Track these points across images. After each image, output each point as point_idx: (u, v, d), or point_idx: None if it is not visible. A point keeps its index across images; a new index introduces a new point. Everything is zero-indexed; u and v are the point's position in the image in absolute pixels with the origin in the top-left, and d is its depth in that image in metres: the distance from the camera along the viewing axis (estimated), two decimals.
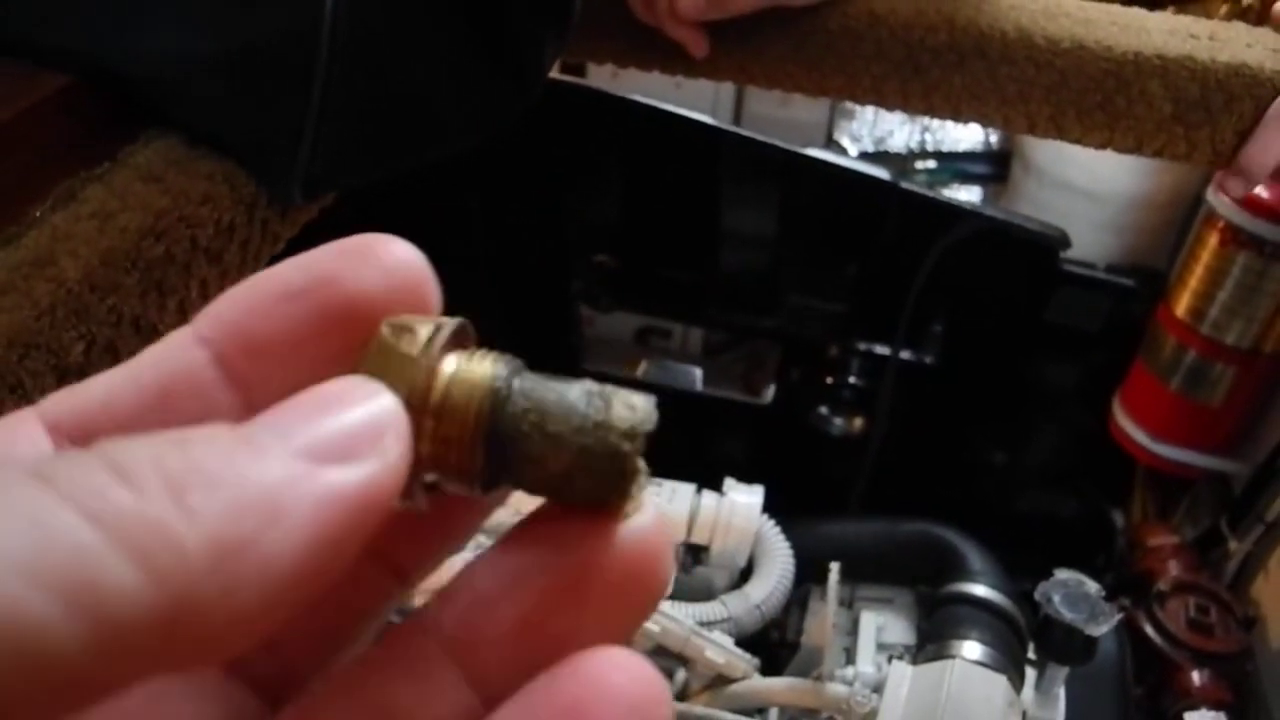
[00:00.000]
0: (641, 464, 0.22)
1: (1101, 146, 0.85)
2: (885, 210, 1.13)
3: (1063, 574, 0.95)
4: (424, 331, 0.21)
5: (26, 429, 0.20)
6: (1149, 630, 1.30)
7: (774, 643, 1.12)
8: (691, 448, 1.49)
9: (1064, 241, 1.13)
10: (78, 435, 0.20)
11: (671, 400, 1.48)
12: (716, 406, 1.44)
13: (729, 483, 1.07)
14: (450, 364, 0.21)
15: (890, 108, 0.87)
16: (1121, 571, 1.44)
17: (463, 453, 0.21)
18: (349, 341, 0.21)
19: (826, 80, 0.87)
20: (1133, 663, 1.30)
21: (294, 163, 0.57)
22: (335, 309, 0.21)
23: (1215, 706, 1.23)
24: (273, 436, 0.17)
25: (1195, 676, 1.26)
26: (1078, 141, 0.86)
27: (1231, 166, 0.81)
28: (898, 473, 1.33)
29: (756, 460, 1.42)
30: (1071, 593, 0.92)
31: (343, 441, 0.18)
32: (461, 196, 1.31)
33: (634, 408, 0.22)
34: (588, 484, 0.21)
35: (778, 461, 1.40)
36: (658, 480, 1.08)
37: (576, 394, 0.22)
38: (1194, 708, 1.22)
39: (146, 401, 0.21)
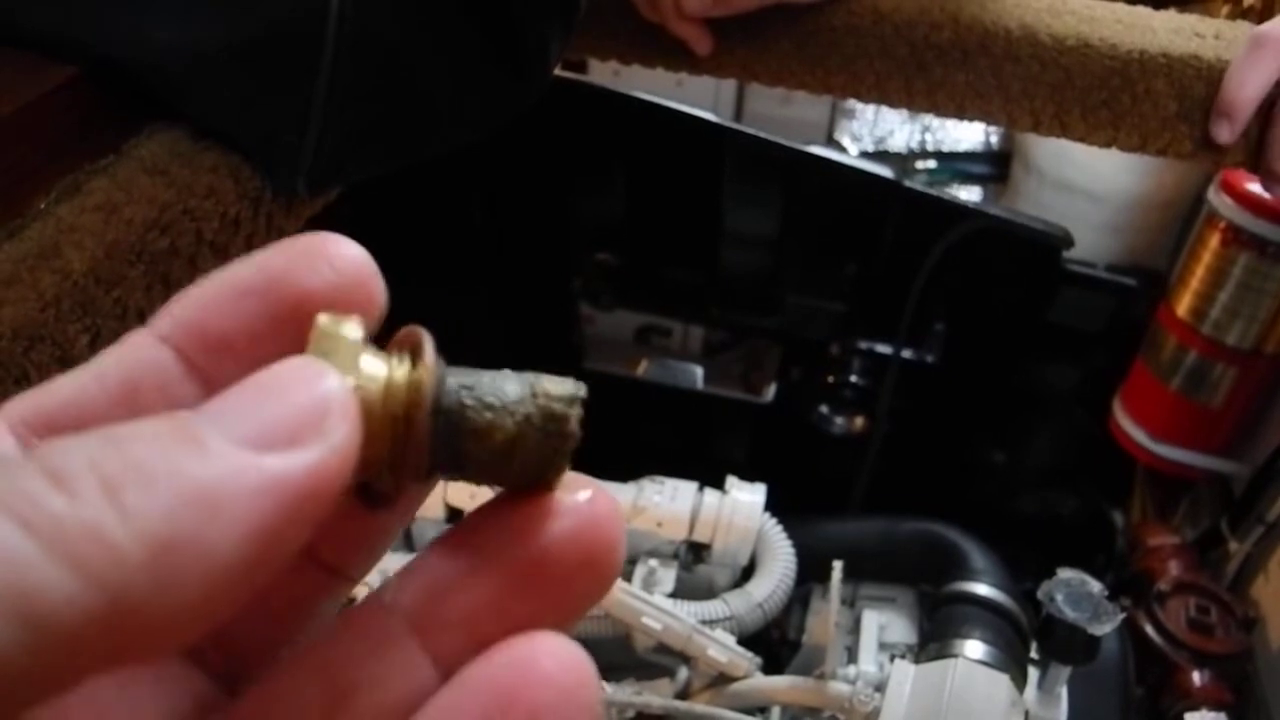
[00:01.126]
0: (577, 431, 0.23)
1: (1106, 145, 0.85)
2: (887, 209, 1.13)
3: (1065, 573, 0.95)
4: (357, 326, 0.21)
5: None
6: (1149, 630, 1.30)
7: (776, 641, 1.12)
8: (693, 446, 1.49)
9: (1067, 241, 1.13)
10: (44, 434, 0.20)
11: (672, 399, 1.48)
12: (717, 405, 1.44)
13: (731, 481, 1.07)
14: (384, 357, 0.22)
15: (894, 105, 0.87)
16: (1121, 571, 1.44)
17: (411, 439, 0.21)
18: (302, 337, 0.21)
19: (830, 78, 0.87)
20: (1134, 663, 1.30)
21: (299, 156, 0.57)
22: (287, 305, 0.21)
23: (1216, 707, 1.23)
24: (214, 426, 0.17)
25: (1196, 677, 1.26)
26: (1082, 140, 0.86)
27: (1212, 110, 0.80)
28: (899, 472, 1.32)
29: (757, 459, 1.42)
30: (1074, 592, 0.92)
31: (285, 426, 0.18)
32: (463, 194, 1.31)
33: (564, 382, 0.23)
34: (530, 457, 0.22)
35: (779, 460, 1.40)
36: (659, 478, 1.08)
37: (507, 375, 0.23)
38: (1194, 708, 1.22)
39: (113, 398, 0.21)
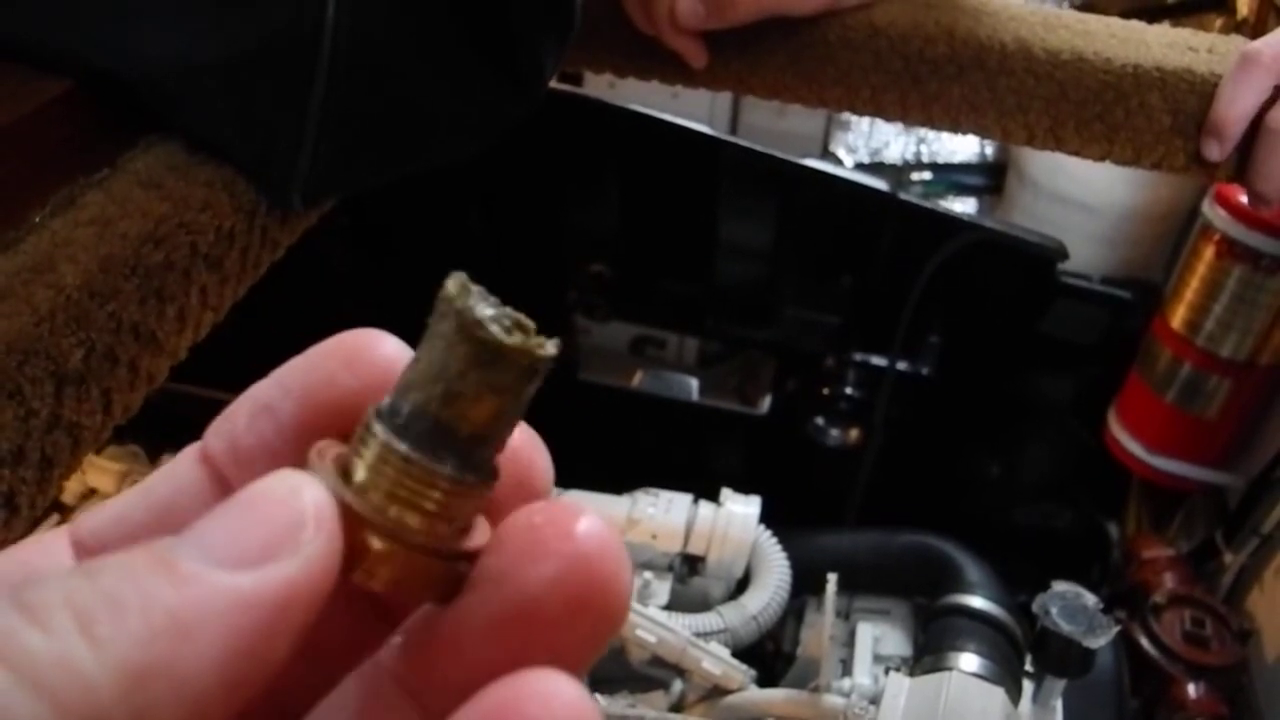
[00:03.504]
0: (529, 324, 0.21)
1: (1100, 158, 0.85)
2: (883, 221, 1.13)
3: (1061, 586, 0.95)
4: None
5: (57, 545, 0.21)
6: (1144, 643, 1.30)
7: (771, 654, 1.12)
8: (688, 458, 1.49)
9: (1061, 253, 1.14)
10: (96, 551, 0.21)
11: (668, 410, 1.48)
12: (713, 417, 1.44)
13: (726, 493, 1.07)
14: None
15: (889, 118, 0.87)
16: (1117, 584, 1.44)
17: None
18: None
19: (825, 91, 0.87)
20: (1129, 675, 1.30)
21: (294, 169, 0.57)
22: (321, 413, 0.22)
23: (1210, 719, 1.23)
24: (190, 549, 0.17)
25: (1191, 689, 1.25)
26: (1076, 153, 0.86)
27: (1202, 129, 0.80)
28: (894, 484, 1.32)
29: (753, 471, 1.42)
30: (1069, 605, 0.92)
31: (260, 542, 0.17)
32: (459, 206, 1.31)
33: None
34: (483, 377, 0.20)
35: (774, 472, 1.40)
36: (654, 490, 1.08)
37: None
38: None
39: (155, 515, 0.21)
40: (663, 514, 1.05)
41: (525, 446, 0.23)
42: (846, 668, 1.04)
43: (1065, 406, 1.43)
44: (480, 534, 0.22)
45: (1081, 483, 1.49)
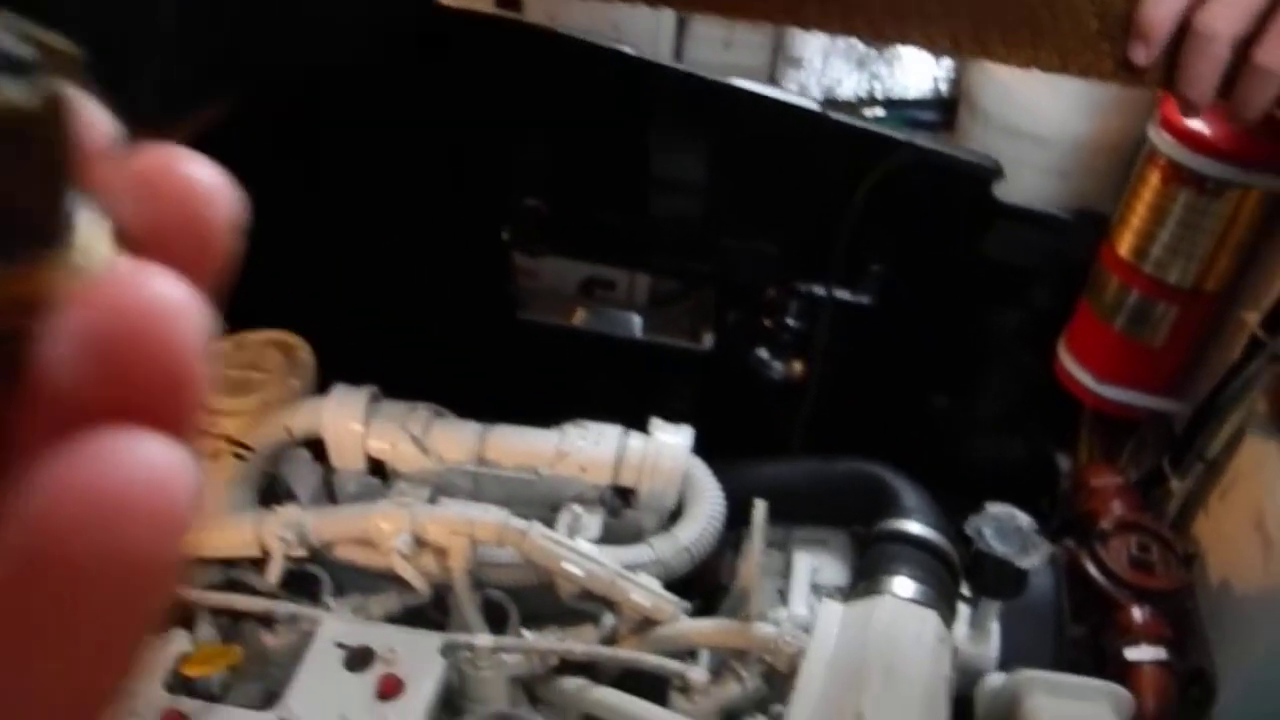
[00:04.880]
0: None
1: (1026, 66, 0.83)
2: (816, 143, 1.10)
3: (994, 508, 0.93)
4: None
5: None
6: (1091, 569, 1.29)
7: (711, 587, 1.10)
8: (634, 397, 1.47)
9: (998, 171, 1.11)
10: None
11: (612, 349, 1.45)
12: (657, 354, 1.41)
13: (656, 423, 1.05)
14: None
15: (808, 28, 0.84)
16: (1066, 513, 1.43)
17: None
18: None
19: (745, 1, 0.84)
20: (1074, 602, 1.29)
21: (147, 78, 0.54)
22: None
23: (1155, 642, 1.22)
24: None
25: (1136, 614, 1.25)
26: (1004, 61, 0.83)
27: (1131, 30, 0.78)
28: (840, 417, 1.31)
29: (699, 407, 1.39)
30: (1002, 526, 0.90)
31: None
32: (390, 139, 1.27)
33: None
34: None
35: (720, 408, 1.38)
36: (583, 423, 1.06)
37: None
38: (1135, 644, 1.22)
39: None
40: (592, 446, 1.03)
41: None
42: (784, 599, 1.02)
43: (1013, 337, 1.41)
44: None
45: (1031, 414, 1.48)
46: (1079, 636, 1.28)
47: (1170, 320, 1.40)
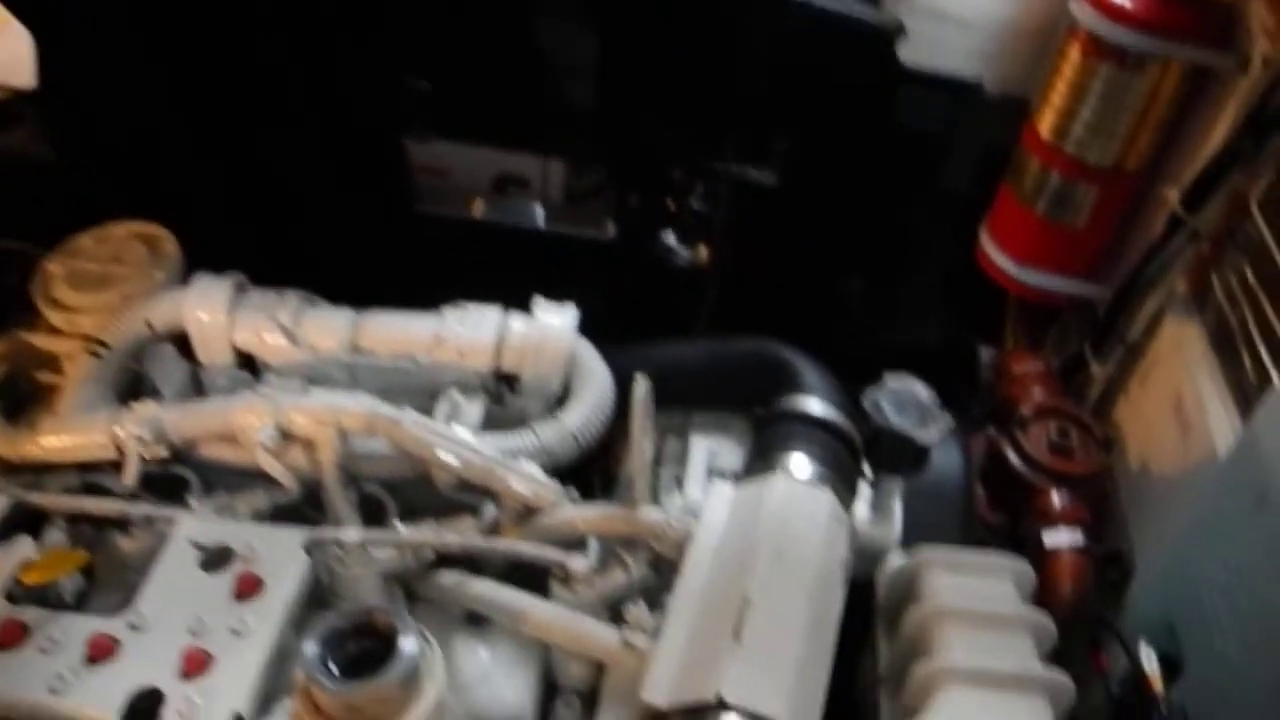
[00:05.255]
0: None
1: None
2: (711, 9, 1.02)
3: (893, 380, 0.88)
4: None
5: None
6: (1011, 456, 1.26)
7: (610, 477, 1.04)
8: (537, 289, 1.40)
9: (899, 29, 1.04)
10: None
11: (513, 240, 1.38)
12: (560, 244, 1.34)
13: (538, 303, 0.98)
14: None
15: None
16: (987, 401, 1.40)
17: None
18: None
19: None
20: (994, 489, 1.26)
21: None
22: None
23: (1074, 526, 1.20)
24: None
25: (1055, 499, 1.22)
26: None
27: None
28: (749, 303, 1.25)
29: (605, 299, 1.32)
30: (901, 398, 0.85)
31: None
32: (257, 12, 1.17)
33: None
34: None
35: (626, 299, 1.31)
36: (463, 304, 0.99)
37: None
38: (1053, 528, 1.19)
39: None
40: (471, 330, 0.96)
41: None
42: (680, 484, 0.97)
43: (931, 221, 1.35)
44: None
45: (951, 301, 1.43)
46: (998, 524, 1.25)
47: (1091, 201, 1.35)
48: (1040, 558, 1.15)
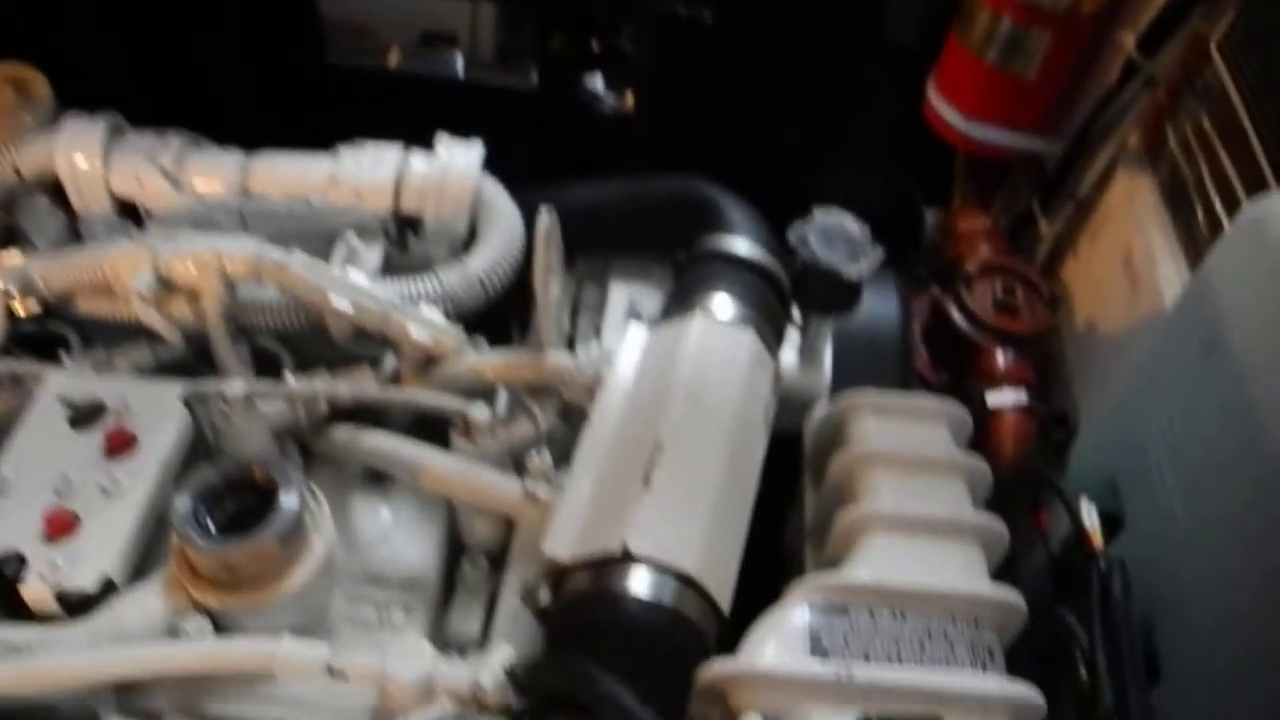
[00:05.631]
0: None
1: None
2: None
3: (821, 214, 0.81)
4: None
5: None
6: (955, 314, 1.21)
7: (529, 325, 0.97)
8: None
9: None
10: None
11: (432, 91, 1.29)
12: (480, 94, 1.25)
13: (441, 139, 0.90)
14: None
15: None
16: (932, 261, 1.34)
17: None
18: None
19: None
20: (937, 349, 1.21)
21: None
22: None
23: (1018, 385, 1.16)
24: None
25: (999, 358, 1.17)
26: None
27: None
28: (680, 156, 1.16)
29: (528, 151, 1.24)
30: (829, 233, 0.78)
31: None
32: None
33: None
34: None
35: (550, 150, 1.23)
36: (361, 142, 0.91)
37: None
38: (997, 388, 1.15)
39: None
40: (368, 169, 0.88)
41: None
42: (599, 334, 0.90)
43: (874, 72, 1.27)
44: None
45: (896, 157, 1.36)
46: (940, 386, 1.20)
47: (1044, 48, 1.28)
48: (983, 418, 1.11)
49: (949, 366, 1.21)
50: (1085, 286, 1.26)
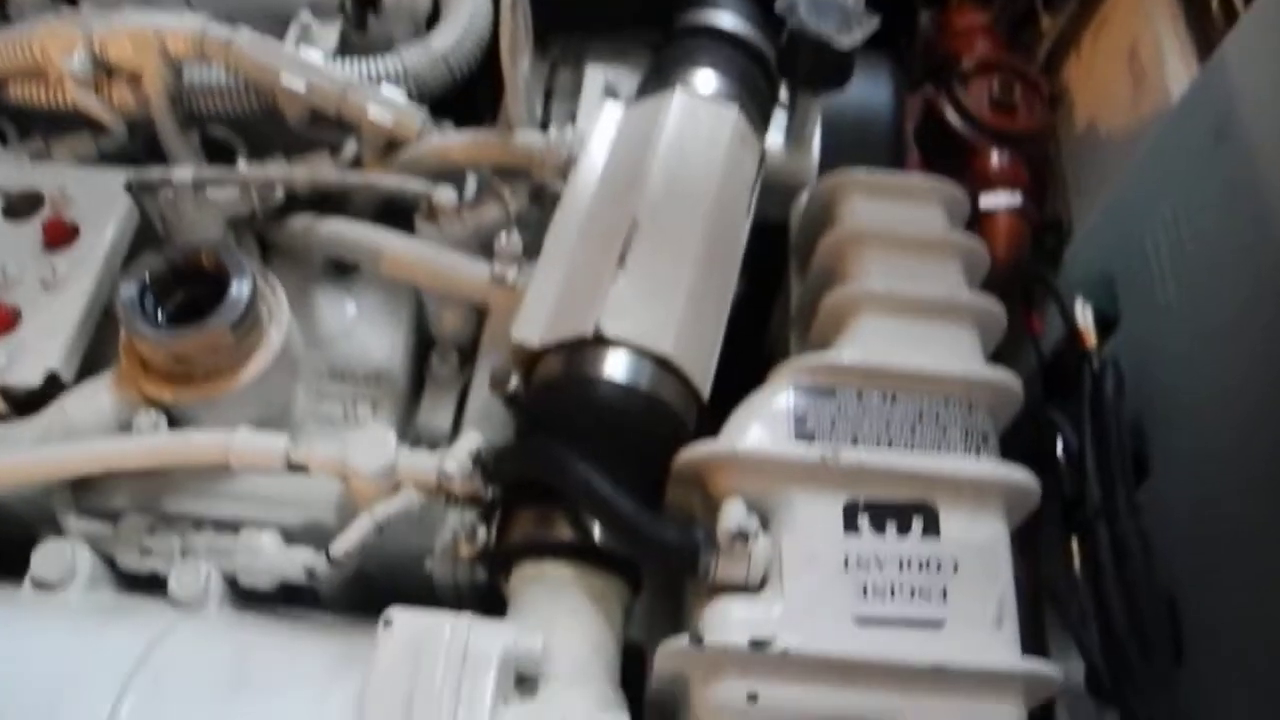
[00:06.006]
0: None
1: None
2: None
3: None
4: None
5: None
6: (949, 112, 1.15)
7: None
8: None
9: None
10: None
11: None
12: None
13: None
14: None
15: None
16: (928, 58, 1.27)
17: None
18: None
19: None
20: (931, 150, 1.16)
21: None
22: None
23: (1012, 187, 1.11)
24: None
25: (994, 158, 1.12)
26: None
27: None
28: None
29: None
30: (820, 1, 0.72)
31: None
32: None
33: None
34: None
35: None
36: None
37: None
38: (990, 189, 1.10)
39: None
40: None
41: None
42: (575, 120, 0.85)
43: None
44: None
45: None
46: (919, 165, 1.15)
47: None
48: (975, 221, 1.06)
49: (942, 168, 1.15)
50: (1087, 85, 1.20)
